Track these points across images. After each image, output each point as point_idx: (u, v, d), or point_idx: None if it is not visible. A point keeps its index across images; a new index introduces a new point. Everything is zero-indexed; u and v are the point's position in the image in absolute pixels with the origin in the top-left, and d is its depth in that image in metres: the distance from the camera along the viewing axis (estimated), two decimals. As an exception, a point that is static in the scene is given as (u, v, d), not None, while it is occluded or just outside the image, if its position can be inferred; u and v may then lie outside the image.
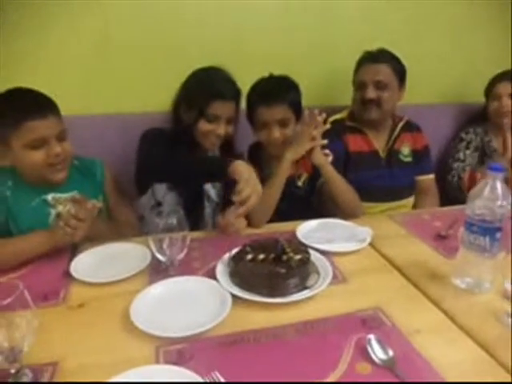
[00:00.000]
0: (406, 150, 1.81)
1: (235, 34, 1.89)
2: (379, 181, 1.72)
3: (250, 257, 1.01)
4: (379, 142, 1.78)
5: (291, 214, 1.42)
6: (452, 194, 1.94)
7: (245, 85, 1.59)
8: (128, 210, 1.44)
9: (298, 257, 1.00)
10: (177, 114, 1.53)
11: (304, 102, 1.72)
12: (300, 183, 1.59)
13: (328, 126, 1.53)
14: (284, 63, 1.94)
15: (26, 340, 0.71)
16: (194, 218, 1.42)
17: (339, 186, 1.45)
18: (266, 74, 1.61)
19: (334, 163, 1.63)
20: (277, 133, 1.46)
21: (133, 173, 1.49)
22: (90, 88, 1.80)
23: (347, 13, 2.01)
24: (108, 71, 1.80)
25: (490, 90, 2.01)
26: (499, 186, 0.95)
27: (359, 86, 1.72)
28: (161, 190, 1.48)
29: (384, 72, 1.67)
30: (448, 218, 1.41)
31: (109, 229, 1.32)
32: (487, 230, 0.96)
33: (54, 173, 1.23)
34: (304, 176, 1.59)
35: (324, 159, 1.44)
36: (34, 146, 1.17)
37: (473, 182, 1.89)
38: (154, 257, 1.08)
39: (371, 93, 1.67)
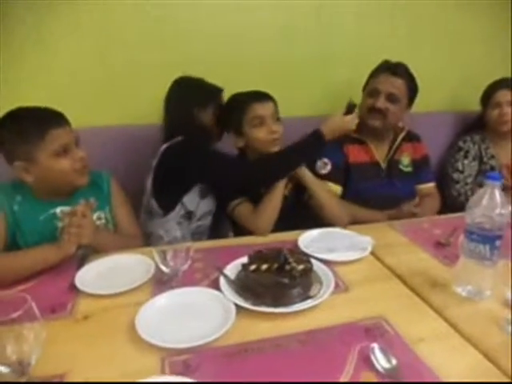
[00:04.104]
0: (405, 160, 1.82)
1: (234, 44, 1.92)
2: (379, 191, 1.74)
3: (253, 267, 1.02)
4: (380, 153, 1.80)
5: (278, 224, 1.45)
6: (456, 210, 1.95)
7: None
8: (133, 221, 1.46)
9: (300, 267, 1.01)
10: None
11: (302, 111, 1.76)
12: (286, 192, 1.60)
13: None
14: (282, 73, 1.99)
15: (33, 353, 0.72)
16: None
17: (322, 197, 1.51)
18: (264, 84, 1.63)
19: (334, 174, 1.68)
20: (275, 126, 1.49)
21: (137, 184, 1.54)
22: (92, 100, 1.82)
23: (345, 25, 2.06)
24: (110, 82, 1.83)
25: (487, 98, 2.03)
26: (497, 194, 0.97)
27: (371, 93, 1.72)
28: (193, 200, 1.53)
29: (399, 86, 1.69)
30: (448, 225, 1.42)
31: (114, 240, 1.33)
32: (487, 238, 0.97)
33: (80, 177, 1.27)
34: (289, 186, 1.60)
35: (303, 170, 1.49)
36: (60, 153, 1.21)
37: None
38: (157, 268, 1.09)
39: (382, 103, 1.68)
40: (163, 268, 1.03)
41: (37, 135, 1.18)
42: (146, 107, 1.88)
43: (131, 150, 1.83)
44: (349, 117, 1.55)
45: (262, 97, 1.52)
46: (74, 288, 1.08)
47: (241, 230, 1.51)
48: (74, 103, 1.75)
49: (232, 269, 1.12)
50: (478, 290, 1.03)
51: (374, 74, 1.76)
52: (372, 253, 1.25)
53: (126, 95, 1.86)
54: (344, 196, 1.75)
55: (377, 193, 1.73)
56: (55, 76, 1.76)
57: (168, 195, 1.53)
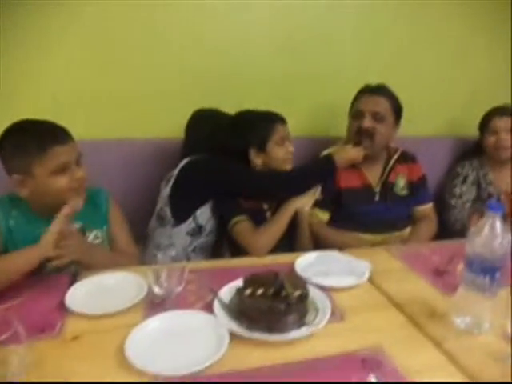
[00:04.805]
0: (401, 183, 1.80)
1: (235, 62, 1.94)
2: (374, 215, 1.72)
3: (248, 292, 1.00)
4: (373, 176, 1.78)
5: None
6: (453, 236, 1.93)
7: (246, 107, 1.67)
8: (131, 241, 1.44)
9: (296, 293, 0.99)
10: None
11: (299, 132, 1.76)
12: (268, 215, 1.65)
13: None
14: (281, 93, 1.99)
15: (18, 377, 0.69)
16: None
17: (302, 242, 1.61)
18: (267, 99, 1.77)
19: (323, 200, 1.69)
20: (291, 147, 1.62)
21: (134, 200, 1.55)
22: (95, 112, 1.83)
23: (344, 46, 2.07)
24: (114, 94, 1.84)
25: (485, 125, 2.04)
26: (498, 224, 0.95)
27: (356, 115, 1.73)
28: (205, 214, 1.56)
29: (382, 104, 1.70)
30: (446, 252, 1.40)
31: (110, 258, 1.31)
32: (487, 269, 0.95)
33: (75, 197, 1.24)
34: (272, 209, 1.65)
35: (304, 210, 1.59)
36: (59, 171, 1.19)
37: None
38: (150, 288, 1.06)
39: (368, 122, 1.68)
40: (156, 290, 1.01)
41: (37, 150, 1.16)
42: (147, 121, 1.89)
43: (131, 165, 1.82)
44: (358, 148, 1.65)
45: (283, 118, 1.63)
46: (63, 306, 1.05)
47: (238, 250, 1.51)
48: (76, 114, 1.77)
49: (227, 292, 1.10)
50: (476, 321, 1.01)
51: (357, 97, 1.78)
52: (369, 278, 1.23)
53: (129, 108, 1.87)
54: (335, 221, 1.74)
55: (371, 217, 1.72)
56: (57, 85, 1.76)
57: (183, 206, 1.56)
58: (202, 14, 1.85)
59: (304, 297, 1.00)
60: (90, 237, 1.33)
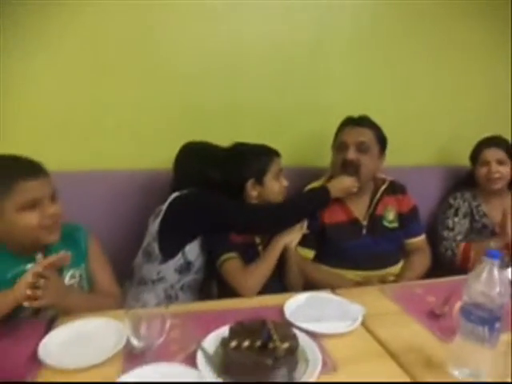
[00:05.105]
0: (390, 215, 1.75)
1: (225, 90, 1.91)
2: (362, 250, 1.67)
3: (234, 343, 0.94)
4: (359, 209, 1.73)
5: None
6: (445, 266, 1.89)
7: (235, 138, 1.65)
8: (112, 280, 1.37)
9: (285, 345, 0.92)
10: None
11: (289, 161, 1.73)
12: (260, 249, 1.60)
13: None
14: (269, 124, 1.97)
15: None
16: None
17: (292, 277, 1.58)
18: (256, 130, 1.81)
19: (307, 237, 1.63)
20: (285, 181, 1.61)
21: (121, 236, 1.57)
22: (76, 142, 1.78)
23: (335, 76, 2.06)
24: (98, 124, 1.80)
25: (476, 156, 2.02)
26: (496, 272, 0.91)
27: (340, 147, 1.69)
28: (194, 250, 1.50)
29: (366, 135, 1.67)
30: (441, 292, 1.34)
31: (88, 301, 1.24)
32: (486, 320, 0.91)
33: (47, 235, 1.18)
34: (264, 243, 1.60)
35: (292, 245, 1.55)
36: (28, 207, 1.13)
37: (467, 257, 1.86)
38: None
39: (352, 154, 1.64)
40: (135, 342, 0.94)
41: (4, 185, 1.11)
42: (136, 151, 1.85)
43: (114, 198, 1.77)
44: (351, 178, 1.61)
45: (278, 152, 1.61)
46: (36, 358, 0.98)
47: (227, 288, 1.45)
48: (60, 145, 1.72)
49: (212, 341, 1.03)
50: (475, 373, 0.95)
51: (340, 129, 1.75)
52: (362, 323, 1.17)
53: (116, 138, 1.83)
54: (320, 259, 1.69)
55: (359, 252, 1.66)
56: (40, 114, 1.72)
57: (171, 241, 1.50)
58: (193, 46, 1.83)
59: (293, 349, 0.94)
60: (66, 277, 1.25)
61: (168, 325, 0.98)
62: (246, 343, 0.93)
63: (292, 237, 1.53)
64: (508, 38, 2.25)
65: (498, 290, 0.90)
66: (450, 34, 2.17)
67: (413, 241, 1.81)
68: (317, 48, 2.00)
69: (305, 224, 1.57)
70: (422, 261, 1.77)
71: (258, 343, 0.93)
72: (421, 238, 1.83)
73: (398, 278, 1.65)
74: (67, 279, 1.25)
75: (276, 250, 1.48)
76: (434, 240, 1.98)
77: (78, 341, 1.06)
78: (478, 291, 0.92)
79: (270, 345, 0.92)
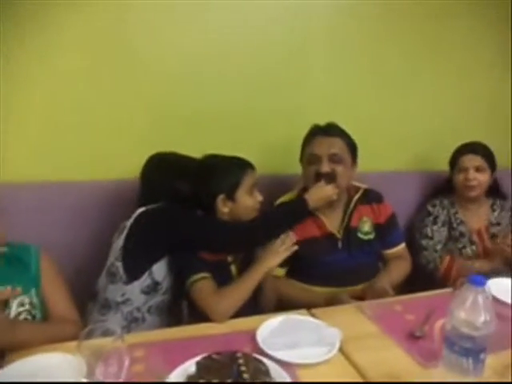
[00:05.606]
0: (365, 227, 1.67)
1: (196, 96, 1.82)
2: (337, 265, 1.59)
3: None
4: (333, 222, 1.65)
5: None
6: (425, 277, 1.86)
7: (206, 145, 1.56)
8: (69, 305, 1.25)
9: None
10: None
11: (263, 169, 1.64)
12: (233, 268, 1.51)
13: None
14: (245, 127, 1.89)
15: None
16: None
17: (266, 287, 1.52)
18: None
19: None
20: (259, 196, 1.50)
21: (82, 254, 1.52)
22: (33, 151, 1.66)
23: (311, 81, 2.00)
24: (57, 131, 1.68)
25: (454, 162, 1.98)
26: (481, 300, 0.85)
27: (312, 159, 1.60)
28: (162, 270, 1.40)
29: (338, 145, 1.59)
30: (421, 309, 1.29)
31: (41, 332, 1.12)
32: (470, 351, 0.85)
33: None
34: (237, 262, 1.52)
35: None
36: None
37: (449, 272, 1.83)
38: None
39: (326, 166, 1.55)
40: (89, 387, 0.85)
41: None
42: (99, 161, 1.74)
43: (79, 210, 1.67)
44: (330, 186, 1.53)
45: (252, 165, 1.50)
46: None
47: (197, 309, 1.34)
48: (17, 154, 1.61)
49: (177, 377, 0.94)
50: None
51: (308, 139, 1.66)
52: (340, 348, 1.10)
53: (77, 146, 1.71)
54: (293, 275, 1.63)
55: (334, 268, 1.59)
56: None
57: (137, 260, 1.39)
58: (161, 52, 1.74)
59: (265, 388, 0.86)
60: (13, 306, 1.13)
61: (127, 362, 0.89)
62: (215, 381, 0.85)
63: (277, 260, 1.42)
64: (489, 41, 2.23)
65: (482, 318, 0.85)
66: (427, 39, 2.13)
67: (392, 251, 1.74)
68: (292, 53, 1.93)
69: (290, 245, 1.44)
70: (399, 265, 1.71)
71: (228, 381, 0.85)
72: (401, 247, 1.77)
73: (373, 281, 1.56)
74: (14, 308, 1.13)
75: (258, 275, 1.36)
76: (413, 248, 1.94)
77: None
78: (461, 320, 0.86)
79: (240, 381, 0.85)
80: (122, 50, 1.69)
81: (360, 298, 1.49)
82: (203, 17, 1.77)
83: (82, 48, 1.64)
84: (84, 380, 0.84)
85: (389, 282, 1.52)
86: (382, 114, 2.16)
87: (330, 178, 1.55)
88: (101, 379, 0.85)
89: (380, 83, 2.12)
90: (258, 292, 1.48)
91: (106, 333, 0.91)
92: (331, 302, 1.47)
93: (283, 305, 1.50)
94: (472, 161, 1.91)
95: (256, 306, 1.48)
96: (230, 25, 1.81)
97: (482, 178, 1.90)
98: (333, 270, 1.58)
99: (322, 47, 1.98)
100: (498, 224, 1.97)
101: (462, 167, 1.93)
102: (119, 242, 1.40)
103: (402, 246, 1.78)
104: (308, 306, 1.36)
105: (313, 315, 1.28)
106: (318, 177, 1.55)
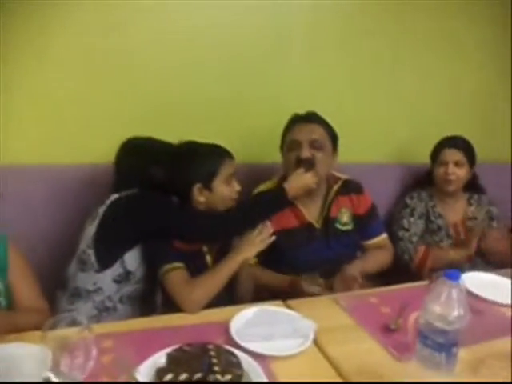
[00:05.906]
0: (343, 217, 1.66)
1: (175, 83, 1.78)
2: (315, 256, 1.58)
3: (170, 376, 0.83)
4: (312, 212, 1.64)
5: None
6: (401, 268, 1.86)
7: (184, 132, 1.50)
8: (37, 294, 1.22)
9: (227, 377, 0.83)
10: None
11: (242, 158, 1.60)
12: (208, 258, 1.48)
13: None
14: (225, 116, 1.85)
15: None
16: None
17: (242, 276, 1.50)
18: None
19: None
20: (238, 186, 1.46)
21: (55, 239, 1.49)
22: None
23: (293, 72, 1.97)
24: (32, 113, 1.62)
25: (435, 155, 1.99)
26: (455, 295, 0.84)
27: (292, 146, 1.59)
28: (134, 258, 1.36)
29: (319, 132, 1.58)
30: (397, 301, 1.29)
31: (7, 320, 1.09)
32: (443, 346, 0.84)
33: None
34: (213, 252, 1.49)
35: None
36: None
37: (423, 262, 1.84)
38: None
39: (306, 152, 1.54)
40: (53, 379, 0.81)
41: None
42: (75, 143, 1.68)
43: (52, 194, 1.62)
44: (310, 173, 1.50)
45: (231, 154, 1.46)
46: None
47: (172, 300, 1.31)
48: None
49: (146, 369, 0.91)
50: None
51: (288, 127, 1.65)
52: (314, 340, 1.09)
53: (53, 129, 1.65)
54: (269, 265, 1.61)
55: (312, 258, 1.57)
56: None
57: (109, 248, 1.35)
58: (140, 37, 1.69)
59: (236, 381, 0.84)
60: None
61: (94, 353, 0.86)
62: (184, 376, 0.83)
63: (253, 251, 1.39)
64: (470, 37, 2.24)
65: (456, 313, 0.84)
66: (410, 33, 2.12)
67: (373, 241, 1.73)
68: (273, 44, 1.90)
69: (267, 236, 1.41)
70: (376, 254, 1.70)
71: (198, 375, 0.83)
72: (381, 238, 1.76)
73: (344, 267, 1.52)
74: None
75: (232, 265, 1.34)
76: (391, 239, 1.94)
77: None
78: (435, 314, 0.85)
79: (211, 377, 0.83)
80: (110, 39, 1.65)
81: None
82: (187, 7, 1.73)
83: (74, 42, 1.62)
84: (49, 374, 0.81)
85: (359, 270, 1.50)
86: (363, 105, 2.14)
87: (310, 164, 1.53)
88: (66, 371, 0.82)
89: (362, 75, 2.10)
90: (234, 282, 1.46)
91: (73, 323, 0.88)
92: (295, 286, 1.46)
93: (260, 295, 1.49)
94: (452, 155, 1.91)
95: (232, 296, 1.46)
96: (213, 15, 1.77)
97: (460, 173, 1.90)
98: (310, 260, 1.56)
99: (303, 38, 1.95)
100: (475, 218, 1.99)
101: (443, 161, 1.93)
102: (91, 229, 1.36)
103: (383, 236, 1.77)
104: (275, 291, 1.37)
105: (288, 306, 1.27)
106: (298, 163, 1.53)
